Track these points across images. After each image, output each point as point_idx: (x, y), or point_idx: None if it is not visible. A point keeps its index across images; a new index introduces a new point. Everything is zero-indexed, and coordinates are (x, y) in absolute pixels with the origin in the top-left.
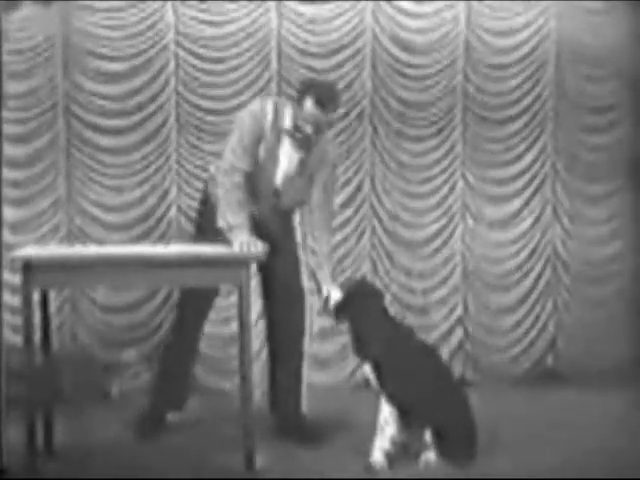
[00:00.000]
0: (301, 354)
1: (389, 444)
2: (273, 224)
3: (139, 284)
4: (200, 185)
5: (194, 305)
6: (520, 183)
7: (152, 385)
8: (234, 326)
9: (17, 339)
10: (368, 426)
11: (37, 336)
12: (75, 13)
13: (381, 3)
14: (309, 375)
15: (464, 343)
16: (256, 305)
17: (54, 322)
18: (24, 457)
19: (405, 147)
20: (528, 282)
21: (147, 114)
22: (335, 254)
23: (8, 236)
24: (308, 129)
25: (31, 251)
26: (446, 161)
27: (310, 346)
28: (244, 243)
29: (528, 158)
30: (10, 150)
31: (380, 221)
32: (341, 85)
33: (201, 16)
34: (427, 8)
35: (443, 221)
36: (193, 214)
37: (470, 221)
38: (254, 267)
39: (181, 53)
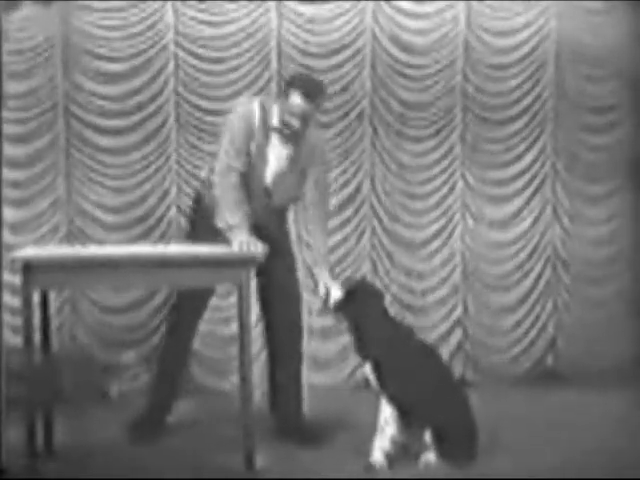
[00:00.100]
0: (300, 355)
1: (389, 444)
2: (267, 224)
3: (139, 284)
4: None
5: (189, 306)
6: (520, 183)
7: (149, 387)
8: (234, 327)
9: (17, 340)
10: (368, 426)
11: (37, 337)
12: (75, 13)
13: (381, 3)
14: (309, 376)
15: (464, 343)
16: (256, 306)
17: (54, 323)
18: (24, 457)
19: (405, 147)
20: (528, 282)
21: (147, 114)
22: (335, 254)
23: (8, 237)
24: (295, 123)
25: (31, 252)
26: (446, 161)
27: (309, 346)
28: (243, 243)
29: (528, 158)
30: (10, 150)
31: (380, 221)
32: (341, 85)
33: (201, 16)
34: (427, 8)
35: (443, 221)
36: None
37: (470, 221)
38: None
39: (181, 53)
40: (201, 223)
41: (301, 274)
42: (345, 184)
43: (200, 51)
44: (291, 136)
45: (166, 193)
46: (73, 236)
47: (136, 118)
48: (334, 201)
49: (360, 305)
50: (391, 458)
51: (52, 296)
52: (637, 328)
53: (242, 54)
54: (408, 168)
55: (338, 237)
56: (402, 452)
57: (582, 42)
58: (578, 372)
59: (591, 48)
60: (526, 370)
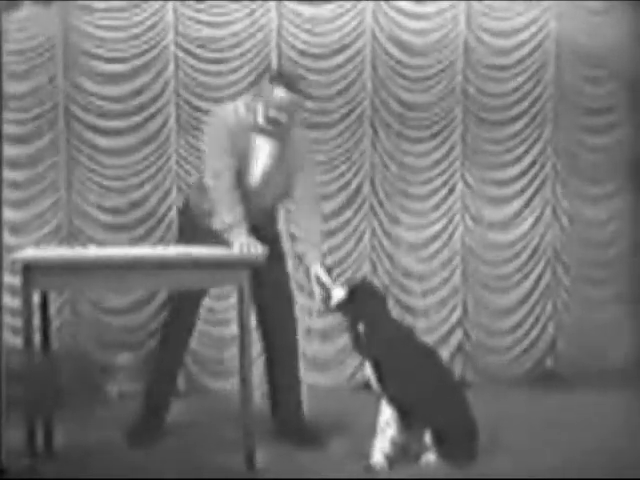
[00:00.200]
0: (296, 356)
1: (389, 446)
2: (258, 225)
3: (140, 286)
4: None
5: (183, 307)
6: (520, 184)
7: (145, 390)
8: (234, 328)
9: (17, 341)
10: (368, 427)
11: (37, 337)
12: (75, 13)
13: (381, 4)
14: (309, 377)
15: (464, 344)
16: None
17: (54, 323)
18: (24, 457)
19: (405, 148)
20: (528, 283)
21: (147, 115)
22: (335, 255)
23: (8, 238)
24: (282, 116)
25: (31, 253)
26: (446, 162)
27: (309, 347)
28: (244, 244)
29: (528, 159)
30: (10, 151)
31: (380, 222)
32: (341, 86)
33: (201, 17)
34: (427, 9)
35: (443, 222)
36: None
37: (470, 222)
38: None
39: (181, 54)
40: (190, 228)
41: (301, 274)
42: (345, 185)
43: (200, 52)
44: (277, 132)
45: (167, 194)
46: (73, 237)
47: (137, 119)
48: (334, 202)
49: (361, 305)
50: (391, 459)
51: (52, 297)
52: (637, 329)
53: (243, 55)
54: (408, 169)
55: (338, 238)
56: (402, 453)
57: (582, 42)
58: (578, 373)
59: (591, 48)
60: (526, 371)
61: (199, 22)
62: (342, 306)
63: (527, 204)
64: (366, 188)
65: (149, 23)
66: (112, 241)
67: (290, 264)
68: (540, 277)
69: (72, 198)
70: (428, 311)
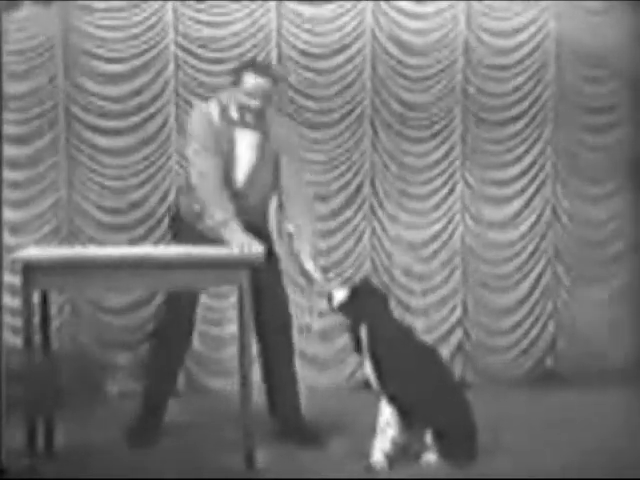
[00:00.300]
0: (292, 356)
1: (390, 445)
2: (247, 224)
3: (140, 286)
4: None
5: (179, 306)
6: (520, 184)
7: (143, 390)
8: (233, 327)
9: (17, 341)
10: (368, 427)
11: (37, 337)
12: (75, 13)
13: (381, 4)
14: (309, 376)
15: (464, 344)
16: None
17: (54, 323)
18: (24, 457)
19: (405, 148)
20: (528, 283)
21: (147, 115)
22: (335, 255)
23: (8, 237)
24: (256, 102)
25: (31, 252)
26: (446, 162)
27: (309, 347)
28: (242, 241)
29: (528, 159)
30: (10, 151)
31: (380, 222)
32: (341, 86)
33: (201, 17)
34: (427, 9)
35: (443, 222)
36: None
37: (470, 222)
38: None
39: (181, 54)
40: (183, 232)
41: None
42: (345, 185)
43: (200, 52)
44: (255, 121)
45: (167, 194)
46: (73, 237)
47: (136, 119)
48: (334, 202)
49: (363, 305)
50: (391, 459)
51: (52, 297)
52: (637, 329)
53: (243, 55)
54: (408, 169)
55: (338, 238)
56: (402, 453)
57: (582, 42)
58: (578, 373)
59: (591, 48)
60: (526, 371)
61: (199, 22)
62: (343, 307)
63: (527, 204)
64: (366, 188)
65: (149, 23)
66: (112, 241)
67: (287, 263)
68: (540, 277)
69: (72, 198)
70: (428, 310)
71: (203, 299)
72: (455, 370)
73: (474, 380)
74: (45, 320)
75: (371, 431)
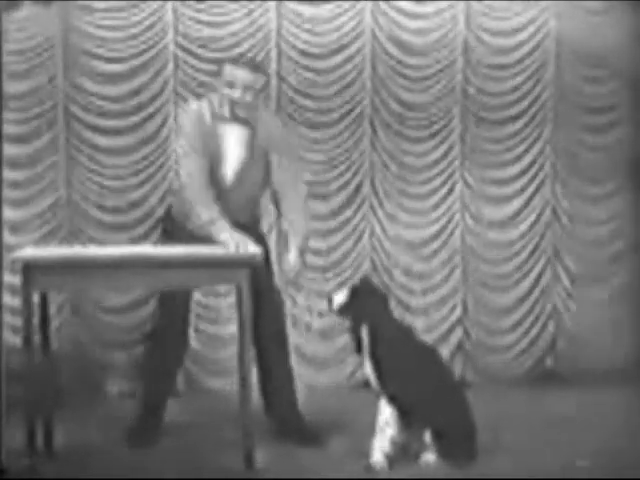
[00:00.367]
0: (287, 354)
1: (389, 445)
2: (238, 224)
3: (140, 285)
4: None
5: (173, 306)
6: (520, 183)
7: (142, 390)
8: (233, 327)
9: (17, 340)
10: (368, 427)
11: (37, 337)
12: (75, 13)
13: (380, 3)
14: (309, 376)
15: (464, 343)
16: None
17: (54, 323)
18: (24, 457)
19: (405, 148)
20: (528, 282)
21: (147, 115)
22: (335, 255)
23: (8, 237)
24: (237, 93)
25: (31, 252)
26: (445, 162)
27: (309, 346)
28: (239, 242)
29: (528, 159)
30: (10, 150)
31: (380, 222)
32: (340, 86)
33: (200, 17)
34: (426, 8)
35: (443, 222)
36: None
37: (470, 222)
38: None
39: (180, 54)
40: (175, 234)
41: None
42: (345, 184)
43: (200, 52)
44: (245, 117)
45: (166, 194)
46: (73, 236)
47: (136, 118)
48: (334, 202)
49: (363, 306)
50: (391, 458)
51: (52, 297)
52: (637, 329)
53: (242, 55)
54: (408, 168)
55: (337, 237)
56: (402, 452)
57: (582, 42)
58: (578, 372)
59: (591, 48)
60: (526, 370)
61: (198, 22)
62: (344, 310)
63: (527, 203)
64: (365, 187)
65: (148, 23)
66: (112, 241)
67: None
68: (540, 276)
69: (72, 197)
70: (428, 310)
71: (203, 299)
72: (455, 370)
73: (474, 380)
74: (45, 320)
75: (371, 431)
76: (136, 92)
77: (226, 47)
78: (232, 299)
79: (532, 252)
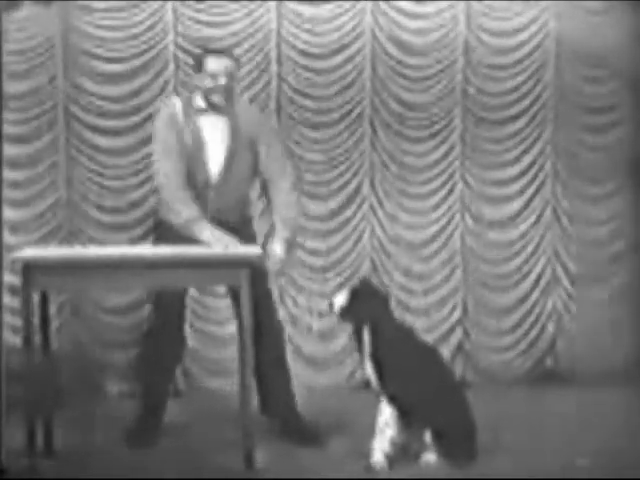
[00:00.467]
0: (283, 354)
1: (389, 446)
2: (228, 220)
3: (140, 285)
4: None
5: (169, 306)
6: (520, 184)
7: (141, 391)
8: (233, 327)
9: (17, 340)
10: (368, 427)
11: (37, 338)
12: (75, 13)
13: (380, 3)
14: (308, 376)
15: (464, 344)
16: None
17: (54, 323)
18: (24, 457)
19: (405, 148)
20: (528, 283)
21: (147, 115)
22: (335, 255)
23: (8, 237)
24: (221, 80)
25: (31, 252)
26: (446, 162)
27: (308, 347)
28: (216, 237)
29: (528, 159)
30: (10, 151)
31: (380, 222)
32: (341, 86)
33: (200, 17)
34: (427, 9)
35: (443, 222)
36: None
37: (470, 222)
38: None
39: (180, 54)
40: (161, 232)
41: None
42: (345, 185)
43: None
44: (224, 102)
45: None
46: (73, 237)
47: (136, 119)
48: (333, 202)
49: (364, 308)
50: (391, 459)
51: (52, 297)
52: (637, 329)
53: (242, 55)
54: (408, 168)
55: (338, 237)
56: (402, 453)
57: (582, 42)
58: (578, 373)
59: (591, 48)
60: (526, 370)
61: (198, 22)
62: (345, 312)
63: (527, 204)
64: (365, 188)
65: (148, 23)
66: (112, 241)
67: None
68: (540, 276)
69: (72, 198)
70: (428, 310)
71: (203, 298)
72: (455, 370)
73: (474, 380)
74: (45, 320)
75: (371, 431)
76: (136, 92)
77: (226, 47)
78: None
79: (532, 252)
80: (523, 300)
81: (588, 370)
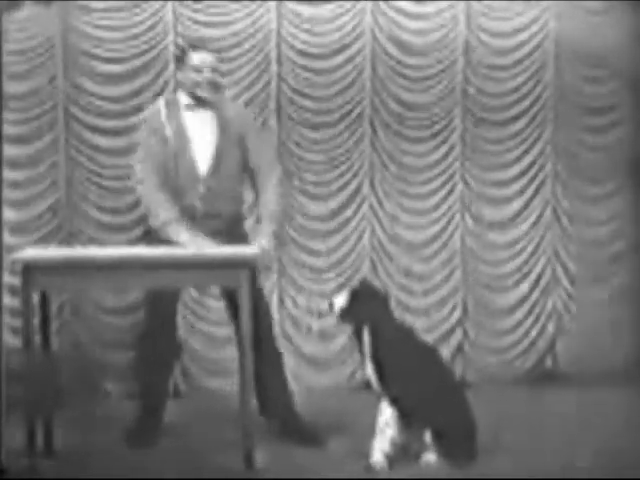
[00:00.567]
0: (278, 354)
1: (389, 446)
2: (217, 217)
3: (139, 286)
4: None
5: (163, 306)
6: (520, 184)
7: (140, 391)
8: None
9: (17, 341)
10: (368, 427)
11: (37, 338)
12: (75, 14)
13: (380, 4)
14: (308, 376)
15: (464, 344)
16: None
17: (54, 323)
18: (24, 457)
19: (405, 148)
20: (528, 283)
21: None
22: (335, 255)
23: (8, 238)
24: (207, 72)
25: (31, 253)
26: (446, 162)
27: (309, 347)
28: (191, 239)
29: (528, 159)
30: (10, 151)
31: (380, 222)
32: (341, 86)
33: (200, 17)
34: (426, 9)
35: (443, 222)
36: None
37: (470, 222)
38: None
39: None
40: (150, 234)
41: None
42: (345, 185)
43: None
44: (212, 96)
45: None
46: (73, 237)
47: (136, 119)
48: (334, 202)
49: (364, 309)
50: (391, 459)
51: (52, 297)
52: (637, 329)
53: (242, 55)
54: (408, 169)
55: (338, 238)
56: (402, 453)
57: (582, 42)
58: (578, 373)
59: (591, 48)
60: (526, 371)
61: (198, 22)
62: (345, 313)
63: (527, 204)
64: (365, 188)
65: (149, 23)
66: (112, 241)
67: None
68: (540, 277)
69: (72, 198)
70: (428, 311)
71: (203, 299)
72: (455, 370)
73: (474, 380)
74: (45, 320)
75: (371, 432)
76: (136, 93)
77: (226, 47)
78: None
79: (532, 253)
80: (523, 300)
81: (588, 370)
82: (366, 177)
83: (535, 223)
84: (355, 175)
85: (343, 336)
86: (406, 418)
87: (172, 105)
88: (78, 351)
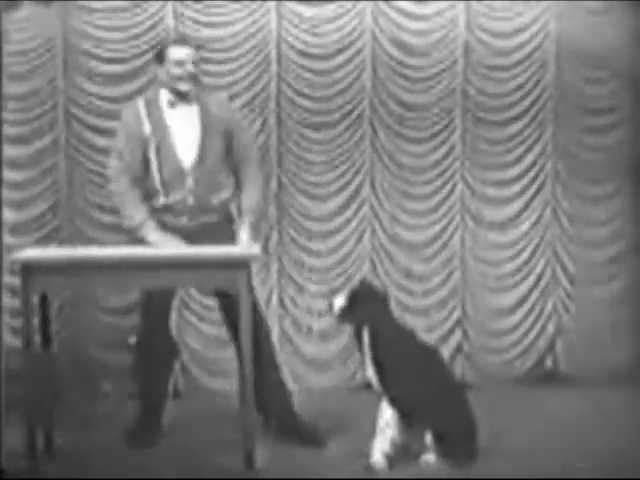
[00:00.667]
0: (273, 352)
1: (389, 446)
2: (206, 214)
3: (140, 286)
4: None
5: (159, 305)
6: (520, 185)
7: (139, 391)
8: None
9: (17, 341)
10: (368, 427)
11: (37, 338)
12: (75, 14)
13: (381, 4)
14: (309, 377)
15: (463, 345)
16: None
17: (54, 324)
18: (24, 457)
19: (405, 149)
20: (527, 284)
21: None
22: (335, 255)
23: (8, 238)
24: (189, 67)
25: (31, 253)
26: (446, 163)
27: (309, 348)
28: (172, 246)
29: (528, 160)
30: (10, 151)
31: (380, 223)
32: (341, 86)
33: (200, 18)
34: (427, 9)
35: (443, 223)
36: None
37: (470, 223)
38: None
39: None
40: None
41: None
42: (345, 185)
43: (200, 52)
44: (192, 89)
45: None
46: (73, 237)
47: None
48: (334, 203)
49: (364, 309)
50: (391, 459)
51: (52, 297)
52: (637, 329)
53: (242, 55)
54: (408, 169)
55: (338, 238)
56: (402, 453)
57: (582, 42)
58: (578, 373)
59: (591, 48)
60: (526, 371)
61: (199, 22)
62: (345, 314)
63: (527, 204)
64: (366, 188)
65: (149, 23)
66: (112, 241)
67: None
68: (540, 277)
69: (72, 198)
70: (428, 311)
71: (203, 299)
72: (455, 370)
73: (474, 380)
74: (45, 321)
75: (371, 432)
76: (137, 93)
77: (226, 48)
78: None
79: (532, 253)
80: (523, 300)
81: (588, 370)
82: (366, 177)
83: (535, 223)
84: (355, 175)
85: (343, 336)
86: (406, 418)
87: (152, 103)
88: (78, 351)
